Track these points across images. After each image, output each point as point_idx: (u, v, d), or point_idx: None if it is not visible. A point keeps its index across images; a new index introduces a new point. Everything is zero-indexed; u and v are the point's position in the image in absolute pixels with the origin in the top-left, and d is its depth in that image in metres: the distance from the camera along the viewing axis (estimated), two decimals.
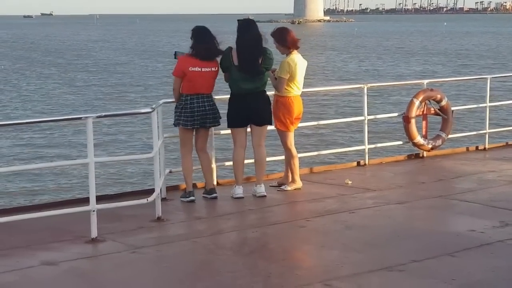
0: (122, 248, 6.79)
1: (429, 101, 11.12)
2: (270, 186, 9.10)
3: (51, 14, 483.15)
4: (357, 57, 58.90)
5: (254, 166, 8.82)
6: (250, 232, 7.31)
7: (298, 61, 8.78)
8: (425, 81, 11.41)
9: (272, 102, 8.86)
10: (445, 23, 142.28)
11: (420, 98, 10.94)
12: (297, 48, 8.84)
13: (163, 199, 8.17)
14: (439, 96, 11.13)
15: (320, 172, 10.20)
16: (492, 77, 12.47)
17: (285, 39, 8.77)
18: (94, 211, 7.01)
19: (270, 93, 8.89)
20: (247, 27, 8.55)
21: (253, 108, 8.56)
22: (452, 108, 11.40)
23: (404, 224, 7.60)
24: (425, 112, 11.09)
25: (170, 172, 9.05)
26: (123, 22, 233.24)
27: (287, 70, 8.66)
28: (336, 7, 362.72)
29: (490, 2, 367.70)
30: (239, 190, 8.63)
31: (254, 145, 8.72)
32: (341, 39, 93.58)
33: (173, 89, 8.55)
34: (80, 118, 7.49)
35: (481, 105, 12.32)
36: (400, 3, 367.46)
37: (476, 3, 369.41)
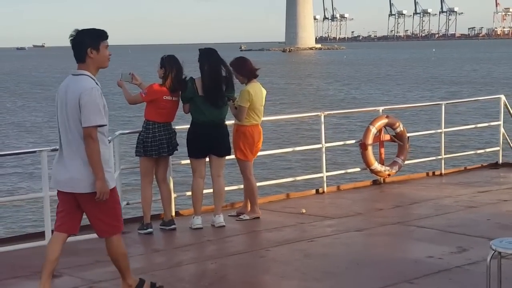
0: (79, 283, 6.67)
1: (385, 128, 11.23)
2: (229, 215, 9.06)
3: (43, 46, 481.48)
4: (340, 83, 59.52)
5: (213, 197, 8.78)
6: (209, 264, 7.24)
7: (258, 90, 8.82)
8: (381, 108, 11.53)
9: (232, 131, 8.86)
10: (434, 50, 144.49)
11: (376, 125, 11.04)
12: (255, 77, 8.89)
13: None
14: (394, 122, 11.25)
15: (278, 201, 10.20)
16: (447, 103, 12.66)
17: (244, 69, 8.81)
18: None
19: (230, 122, 8.88)
20: (210, 56, 8.50)
21: (214, 138, 8.53)
22: (408, 134, 11.52)
23: (363, 251, 7.61)
24: (381, 139, 11.20)
25: (127, 204, 8.95)
26: (116, 52, 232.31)
27: (247, 99, 8.68)
28: (328, 35, 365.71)
29: (482, 28, 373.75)
30: (197, 221, 8.56)
31: (213, 175, 8.67)
32: (326, 67, 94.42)
33: (130, 99, 8.50)
34: (34, 152, 7.38)
35: (436, 131, 12.48)
36: (392, 30, 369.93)
37: (469, 29, 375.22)
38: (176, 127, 8.68)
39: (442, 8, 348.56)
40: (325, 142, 10.82)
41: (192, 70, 8.68)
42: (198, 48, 8.66)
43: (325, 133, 10.86)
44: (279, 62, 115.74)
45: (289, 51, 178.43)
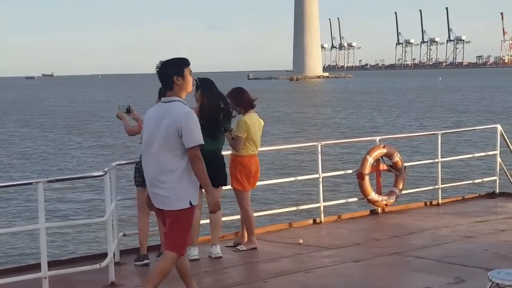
0: None
1: (382, 157, 11.24)
2: (226, 246, 9.03)
3: (52, 75, 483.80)
4: (345, 112, 59.70)
5: (210, 227, 8.75)
6: None
7: (255, 121, 8.85)
8: (378, 138, 11.55)
9: (229, 161, 8.86)
10: (440, 78, 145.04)
11: (373, 155, 11.05)
12: (253, 107, 8.91)
13: (116, 263, 8.03)
14: (391, 152, 11.26)
15: (276, 231, 10.17)
16: (443, 133, 12.68)
17: (241, 99, 8.85)
18: (46, 277, 6.85)
19: (227, 152, 8.88)
20: (209, 87, 8.52)
21: (211, 169, 8.49)
22: (405, 164, 11.53)
23: (360, 282, 7.57)
24: (378, 168, 11.20)
25: (124, 235, 8.92)
26: (125, 81, 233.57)
27: (244, 129, 8.71)
28: (336, 63, 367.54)
29: (489, 56, 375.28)
30: (194, 252, 8.53)
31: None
32: (331, 95, 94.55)
33: (130, 130, 8.58)
34: (30, 184, 7.36)
35: (432, 160, 12.48)
36: (400, 59, 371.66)
37: (477, 57, 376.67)
38: None
39: (449, 36, 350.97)
40: (322, 172, 10.82)
41: (188, 99, 8.68)
42: (196, 78, 8.67)
43: (322, 162, 10.86)
44: (286, 90, 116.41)
45: (296, 80, 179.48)
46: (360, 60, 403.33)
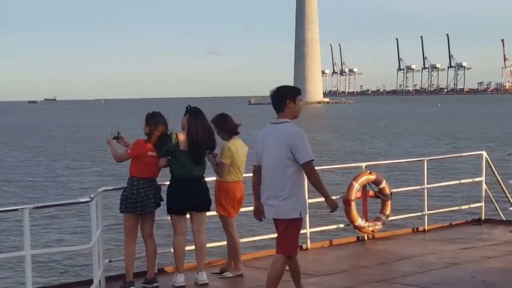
0: None
1: (369, 183, 11.26)
2: (212, 273, 8.98)
3: (55, 100, 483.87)
4: (341, 137, 59.81)
5: (195, 253, 8.72)
6: None
7: (239, 146, 8.86)
8: (364, 164, 11.57)
9: (213, 187, 8.85)
10: (440, 104, 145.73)
11: (359, 181, 11.07)
12: (237, 133, 8.93)
13: None
14: (378, 178, 11.28)
15: (262, 258, 10.11)
16: (429, 159, 12.72)
17: (225, 125, 8.86)
18: None
19: (212, 178, 8.87)
20: (198, 114, 8.60)
21: (194, 194, 8.54)
22: (392, 190, 11.55)
23: None
24: (365, 194, 11.21)
25: (110, 261, 8.86)
26: (126, 106, 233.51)
27: (228, 155, 8.71)
28: (337, 89, 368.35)
29: (490, 82, 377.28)
30: (180, 279, 8.49)
31: (194, 231, 8.64)
32: (330, 120, 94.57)
33: (118, 157, 8.53)
34: (16, 210, 7.31)
35: (420, 186, 12.50)
36: (401, 84, 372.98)
37: (478, 83, 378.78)
38: (159, 183, 8.68)
39: (450, 63, 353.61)
40: (309, 198, 10.80)
41: (175, 124, 8.71)
42: (186, 106, 8.73)
43: (309, 188, 10.84)
44: None
45: None
46: (361, 86, 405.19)
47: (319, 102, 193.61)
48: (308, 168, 6.96)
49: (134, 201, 8.33)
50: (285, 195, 6.96)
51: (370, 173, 11.24)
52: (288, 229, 7.02)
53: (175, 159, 8.46)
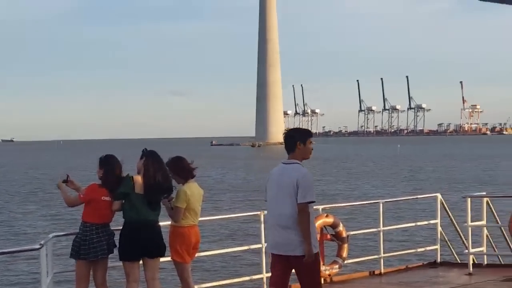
0: None
1: (325, 227, 11.19)
2: None
3: (12, 141, 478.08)
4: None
5: None
6: None
7: (195, 190, 8.72)
8: (321, 207, 11.51)
9: (168, 232, 8.68)
10: (399, 145, 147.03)
11: (316, 224, 10.97)
12: (193, 176, 8.80)
13: None
14: (334, 221, 11.23)
15: None
16: (385, 201, 12.72)
17: (181, 169, 8.73)
18: None
19: (166, 223, 8.71)
20: (155, 158, 8.47)
21: (148, 239, 8.35)
22: (348, 233, 11.49)
23: None
24: (321, 238, 11.11)
25: None
26: (85, 148, 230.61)
27: (183, 199, 8.57)
28: None
29: (450, 124, 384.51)
30: None
31: (148, 278, 8.43)
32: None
33: (69, 201, 8.34)
34: None
35: (377, 229, 12.47)
36: (362, 126, 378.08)
37: (438, 125, 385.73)
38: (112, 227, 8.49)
39: (410, 104, 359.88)
40: (265, 241, 10.67)
41: (131, 168, 8.57)
42: (142, 149, 8.61)
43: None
44: (247, 157, 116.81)
45: (258, 146, 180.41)
46: (323, 127, 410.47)
47: (281, 143, 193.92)
48: (301, 207, 7.17)
49: (87, 247, 8.12)
50: (293, 231, 7.24)
51: (327, 216, 11.19)
52: (313, 264, 7.33)
53: (130, 203, 8.28)
